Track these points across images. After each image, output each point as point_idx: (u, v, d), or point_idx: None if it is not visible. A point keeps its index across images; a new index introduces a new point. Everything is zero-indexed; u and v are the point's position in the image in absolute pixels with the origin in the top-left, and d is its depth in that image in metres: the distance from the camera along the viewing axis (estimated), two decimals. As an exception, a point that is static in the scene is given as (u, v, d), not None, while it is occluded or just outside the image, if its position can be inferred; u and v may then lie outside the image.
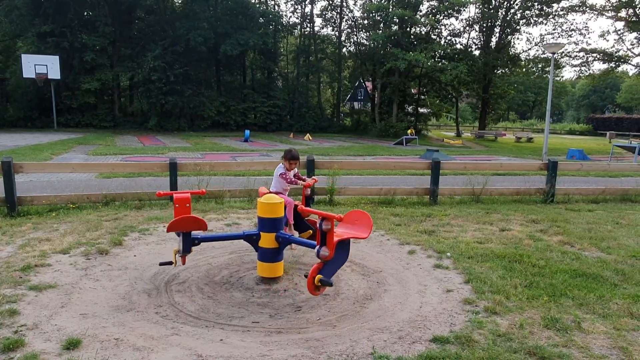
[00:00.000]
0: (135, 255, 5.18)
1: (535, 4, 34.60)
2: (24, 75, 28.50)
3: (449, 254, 5.35)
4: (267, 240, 4.26)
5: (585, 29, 64.31)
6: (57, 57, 28.92)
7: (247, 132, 27.22)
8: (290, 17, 42.64)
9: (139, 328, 3.47)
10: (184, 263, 4.41)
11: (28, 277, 4.37)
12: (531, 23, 36.76)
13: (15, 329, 3.37)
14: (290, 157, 5.14)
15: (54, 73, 28.58)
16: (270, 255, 4.31)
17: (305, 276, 3.78)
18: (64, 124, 31.08)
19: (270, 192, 4.83)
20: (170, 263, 4.25)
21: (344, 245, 3.88)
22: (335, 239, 3.71)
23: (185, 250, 4.22)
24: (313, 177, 5.55)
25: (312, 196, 5.13)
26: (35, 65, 28.20)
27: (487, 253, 5.35)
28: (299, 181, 5.22)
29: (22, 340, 3.20)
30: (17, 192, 7.20)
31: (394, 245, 5.81)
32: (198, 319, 3.66)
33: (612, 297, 4.11)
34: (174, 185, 7.91)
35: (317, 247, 3.75)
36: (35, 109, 31.37)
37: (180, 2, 39.10)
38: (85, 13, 33.74)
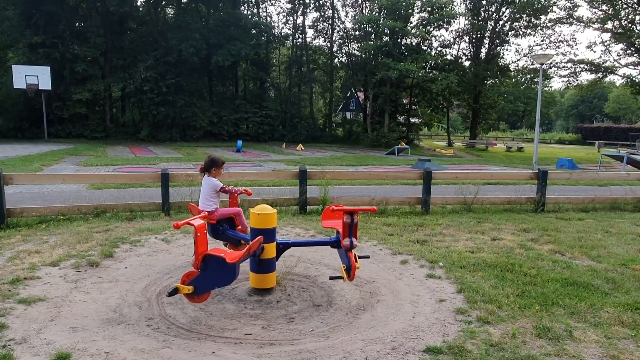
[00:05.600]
0: (126, 267, 5.13)
1: (524, 15, 35.19)
2: (15, 86, 28.33)
3: (441, 263, 5.36)
4: (267, 251, 4.24)
5: (573, 41, 65.64)
6: (48, 67, 28.83)
7: (240, 142, 27.23)
8: (282, 28, 43.02)
9: (129, 341, 3.43)
10: (203, 301, 3.97)
11: (17, 290, 4.31)
12: (520, 34, 37.38)
13: (3, 343, 3.32)
14: (222, 163, 4.68)
15: (45, 84, 28.45)
16: (268, 266, 4.30)
17: (331, 278, 4.48)
18: (55, 134, 30.87)
19: (201, 217, 4.32)
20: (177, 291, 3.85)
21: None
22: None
23: (233, 277, 3.99)
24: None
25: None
26: (26, 75, 28.07)
27: (479, 262, 5.37)
28: (240, 188, 4.78)
29: (11, 355, 3.15)
30: (7, 203, 7.12)
31: (386, 255, 5.81)
32: (190, 332, 3.63)
33: (603, 306, 4.14)
34: (165, 197, 7.87)
35: (347, 239, 4.15)
36: (25, 120, 31.15)
37: (172, 13, 39.25)
38: (77, 24, 33.75)
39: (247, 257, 3.96)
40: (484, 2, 36.90)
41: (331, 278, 4.48)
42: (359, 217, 4.29)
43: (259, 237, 4.03)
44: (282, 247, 4.43)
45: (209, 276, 3.79)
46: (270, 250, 4.26)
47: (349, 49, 40.91)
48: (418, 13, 35.30)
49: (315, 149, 31.20)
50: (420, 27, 34.96)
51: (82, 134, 31.79)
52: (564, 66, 34.41)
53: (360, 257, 4.52)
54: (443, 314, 4.00)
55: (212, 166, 4.62)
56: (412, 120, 41.61)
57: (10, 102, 31.47)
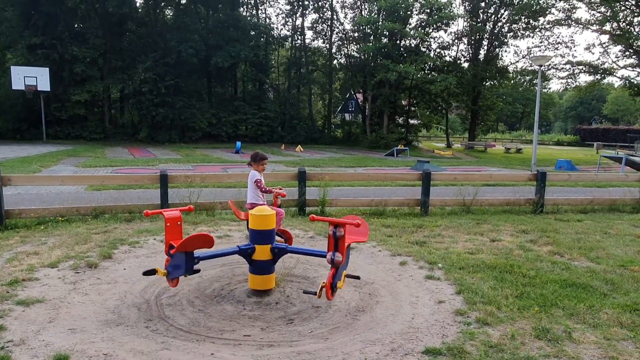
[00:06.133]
0: (125, 269, 5.12)
1: (522, 17, 35.25)
2: (13, 87, 28.24)
3: (440, 264, 5.36)
4: (259, 252, 4.25)
5: (571, 42, 65.91)
6: (47, 69, 28.76)
7: (239, 143, 27.23)
8: (281, 29, 42.88)
9: (128, 343, 3.43)
10: (174, 286, 4.19)
11: (15, 291, 4.31)
12: (518, 36, 37.42)
13: (1, 345, 3.31)
14: (261, 158, 5.00)
15: (44, 85, 28.38)
16: (262, 268, 4.30)
17: (305, 292, 4.10)
18: (54, 135, 30.81)
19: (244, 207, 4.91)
20: (153, 272, 4.07)
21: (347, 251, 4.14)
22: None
23: (188, 270, 3.99)
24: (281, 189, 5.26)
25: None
26: (24, 77, 27.99)
27: (478, 264, 5.37)
28: (273, 189, 5.03)
29: (9, 356, 3.14)
30: (5, 205, 7.12)
31: (385, 256, 5.81)
32: (189, 333, 3.63)
33: (601, 307, 4.15)
34: (164, 198, 7.87)
35: (330, 253, 3.88)
36: (24, 121, 31.08)
37: (171, 14, 39.25)
38: (76, 25, 33.72)
39: (175, 253, 3.90)
40: (482, 4, 36.97)
41: (305, 292, 4.14)
42: (346, 231, 3.89)
43: (193, 234, 3.91)
44: (277, 252, 4.33)
45: (172, 263, 3.98)
46: (262, 251, 4.25)
47: (347, 51, 40.96)
48: (417, 15, 35.37)
49: (314, 150, 31.20)
50: (419, 28, 35.00)
51: (80, 135, 31.74)
52: (563, 68, 34.50)
53: (349, 277, 4.18)
54: (442, 315, 4.00)
55: (251, 159, 5.04)
56: (411, 121, 41.65)
57: (9, 103, 31.44)
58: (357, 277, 4.35)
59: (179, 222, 4.10)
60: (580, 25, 32.40)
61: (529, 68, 37.90)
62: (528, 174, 10.53)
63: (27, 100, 30.18)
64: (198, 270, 4.23)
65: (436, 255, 5.72)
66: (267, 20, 41.88)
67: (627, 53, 31.71)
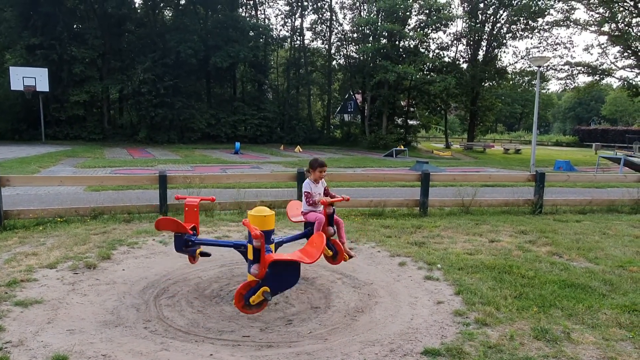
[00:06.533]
0: (123, 270, 5.12)
1: (521, 18, 35.31)
2: (12, 88, 28.19)
3: (439, 265, 5.37)
4: (251, 252, 4.23)
5: (570, 43, 65.85)
6: (46, 69, 28.73)
7: (238, 144, 27.23)
8: (281, 30, 42.89)
9: (127, 344, 3.42)
10: (192, 262, 4.76)
11: (14, 292, 4.30)
12: (517, 37, 37.50)
13: (0, 346, 3.30)
14: (319, 165, 4.64)
15: (43, 85, 28.35)
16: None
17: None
18: (52, 136, 30.78)
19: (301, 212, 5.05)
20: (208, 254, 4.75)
21: (284, 267, 3.75)
22: (275, 258, 3.69)
23: (177, 248, 4.44)
24: (343, 195, 4.76)
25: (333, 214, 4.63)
26: (23, 77, 27.94)
27: (477, 264, 5.37)
28: (328, 199, 4.61)
29: (7, 357, 3.14)
30: (4, 205, 7.10)
31: (384, 257, 5.81)
32: (187, 334, 3.62)
33: (600, 307, 4.15)
34: (163, 198, 7.86)
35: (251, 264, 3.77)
36: (23, 122, 31.04)
37: (170, 15, 39.25)
38: (75, 26, 33.69)
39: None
40: (481, 5, 37.04)
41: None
42: (263, 243, 3.61)
43: (161, 217, 4.52)
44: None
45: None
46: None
47: (347, 51, 40.98)
48: (416, 15, 35.45)
49: (313, 150, 31.20)
50: (418, 29, 35.05)
51: (79, 135, 31.70)
52: (561, 69, 34.55)
53: (264, 299, 3.65)
54: (441, 315, 4.00)
55: (309, 166, 4.77)
56: (410, 122, 41.68)
57: (8, 103, 31.38)
58: (267, 300, 3.71)
59: (195, 209, 4.54)
60: (578, 26, 32.46)
61: (528, 69, 38.00)
62: (527, 174, 10.54)
63: (25, 101, 30.14)
64: (209, 254, 4.81)
65: (435, 256, 5.72)
66: (266, 21, 41.90)
67: (626, 54, 31.76)
